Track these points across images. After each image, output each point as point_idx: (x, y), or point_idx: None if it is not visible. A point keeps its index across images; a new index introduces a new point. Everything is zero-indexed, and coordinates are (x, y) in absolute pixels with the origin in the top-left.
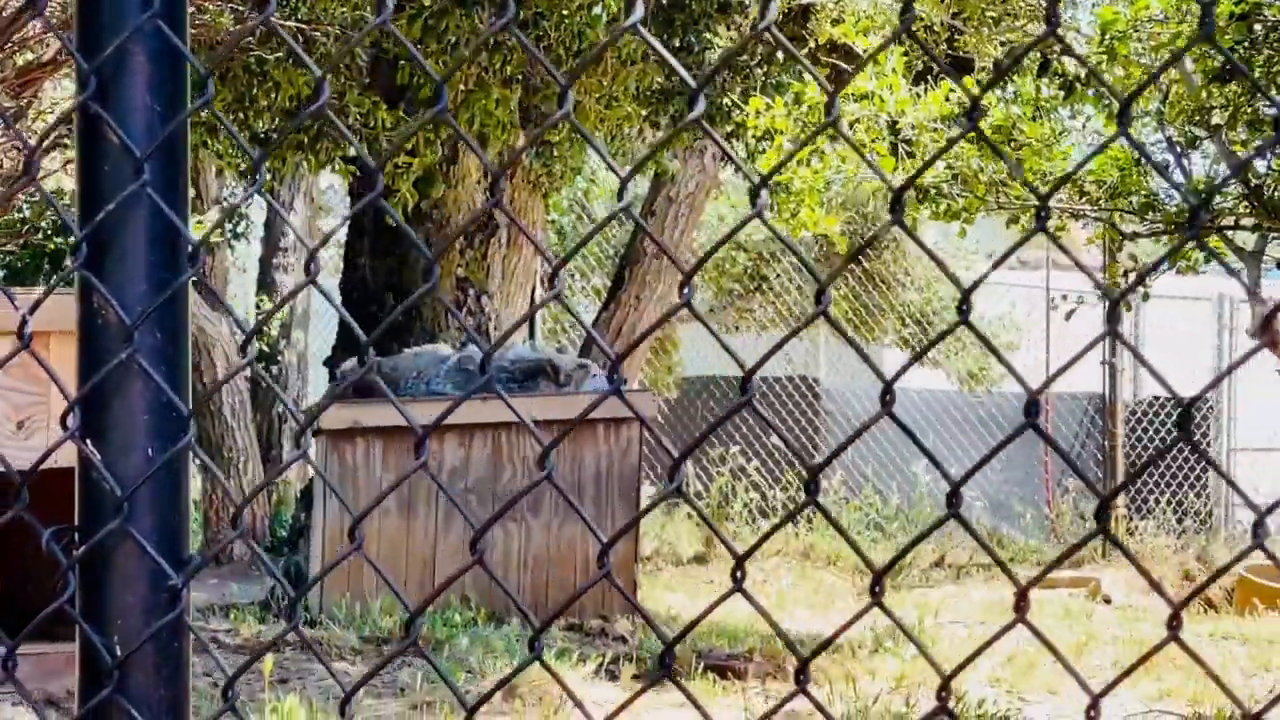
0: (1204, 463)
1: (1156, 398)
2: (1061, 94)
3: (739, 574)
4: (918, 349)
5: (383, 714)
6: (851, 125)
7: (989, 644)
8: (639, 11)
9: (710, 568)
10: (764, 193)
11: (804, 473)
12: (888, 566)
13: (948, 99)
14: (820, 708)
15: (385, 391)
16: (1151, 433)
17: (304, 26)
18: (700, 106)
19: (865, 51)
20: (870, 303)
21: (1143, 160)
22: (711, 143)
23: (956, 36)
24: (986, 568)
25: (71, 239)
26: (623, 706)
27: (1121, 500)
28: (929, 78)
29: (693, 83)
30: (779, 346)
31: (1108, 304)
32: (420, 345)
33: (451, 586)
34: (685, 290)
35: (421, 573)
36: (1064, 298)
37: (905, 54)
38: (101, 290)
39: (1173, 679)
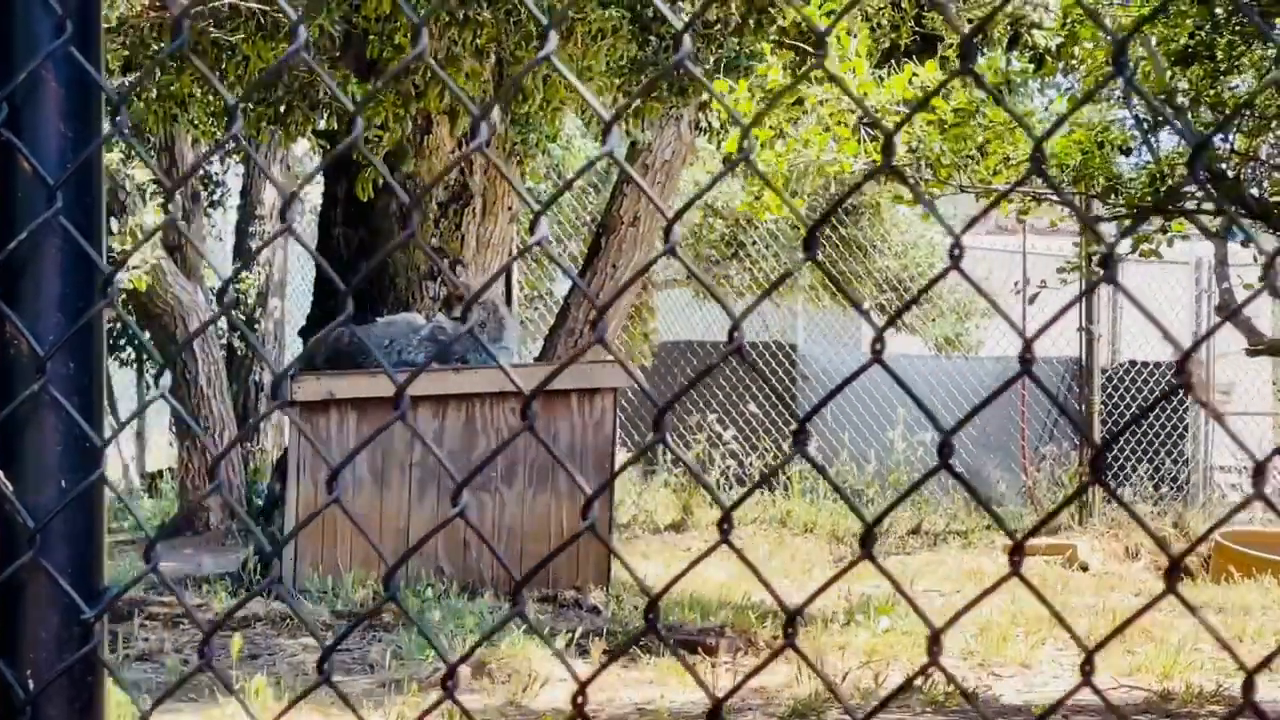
0: (1180, 429)
1: (1133, 362)
2: (1032, 67)
3: (726, 526)
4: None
5: (351, 691)
6: (815, 107)
7: (981, 598)
8: None
9: (686, 535)
10: (751, 138)
11: (792, 425)
12: (878, 518)
13: (910, 82)
14: (812, 666)
15: (368, 351)
16: (1129, 398)
17: (265, 7)
18: (687, 45)
19: (832, 36)
20: (848, 269)
21: (1106, 142)
22: (686, 112)
23: (924, 15)
24: (962, 534)
25: None
26: (599, 670)
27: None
28: (893, 60)
29: (679, 22)
30: (767, 294)
31: (1084, 273)
32: (393, 315)
33: (425, 559)
34: (672, 234)
35: (395, 543)
36: (1027, 283)
37: (873, 30)
38: (14, 320)
39: (1144, 653)
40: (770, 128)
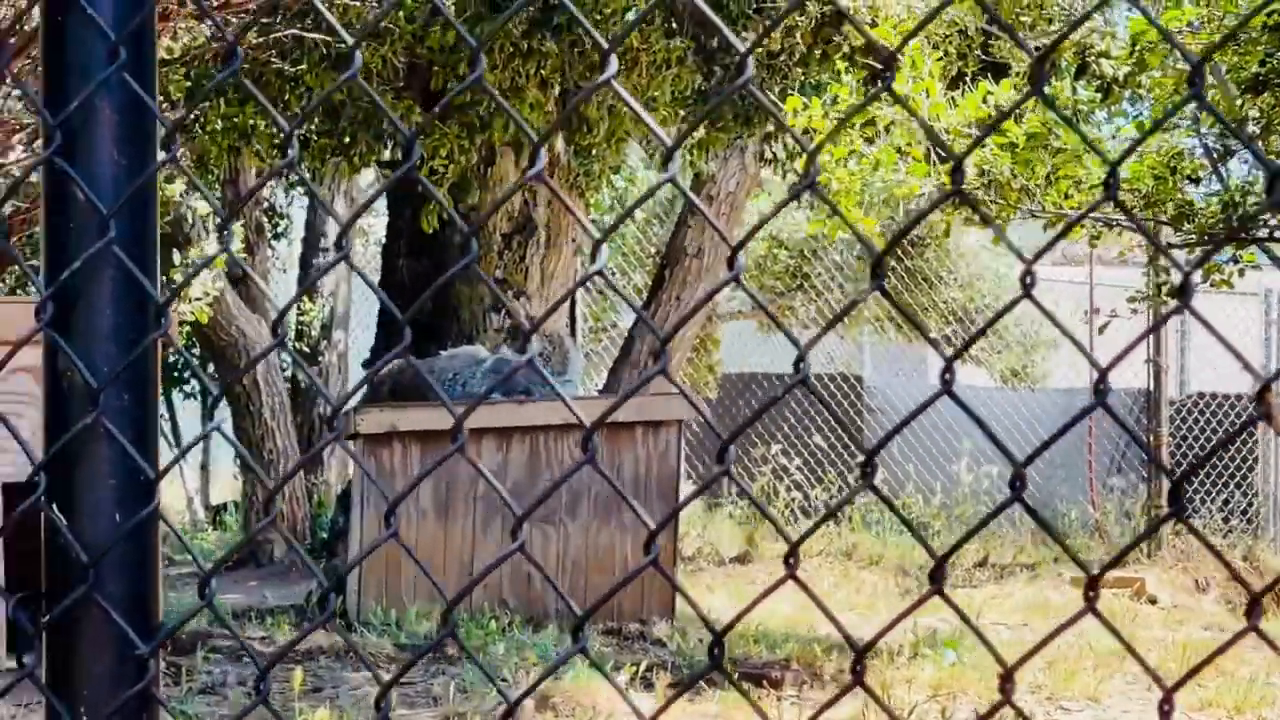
0: (1250, 461)
1: (1202, 394)
2: (1099, 96)
3: (791, 560)
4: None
5: None
6: (887, 128)
7: (1056, 633)
8: None
9: (752, 567)
10: (816, 164)
11: (858, 457)
12: (949, 553)
13: (984, 101)
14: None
15: (431, 384)
16: (1197, 430)
17: (328, 39)
18: (749, 69)
19: (905, 56)
20: (913, 300)
21: (1178, 169)
22: (751, 143)
23: (991, 41)
24: (1030, 567)
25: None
26: (664, 706)
27: (1165, 499)
28: (965, 82)
29: (742, 46)
30: (837, 320)
31: (1153, 302)
32: (458, 347)
33: (489, 591)
34: (736, 263)
35: (459, 576)
36: (1097, 311)
37: (941, 58)
38: (67, 351)
39: (1214, 686)
40: (843, 145)
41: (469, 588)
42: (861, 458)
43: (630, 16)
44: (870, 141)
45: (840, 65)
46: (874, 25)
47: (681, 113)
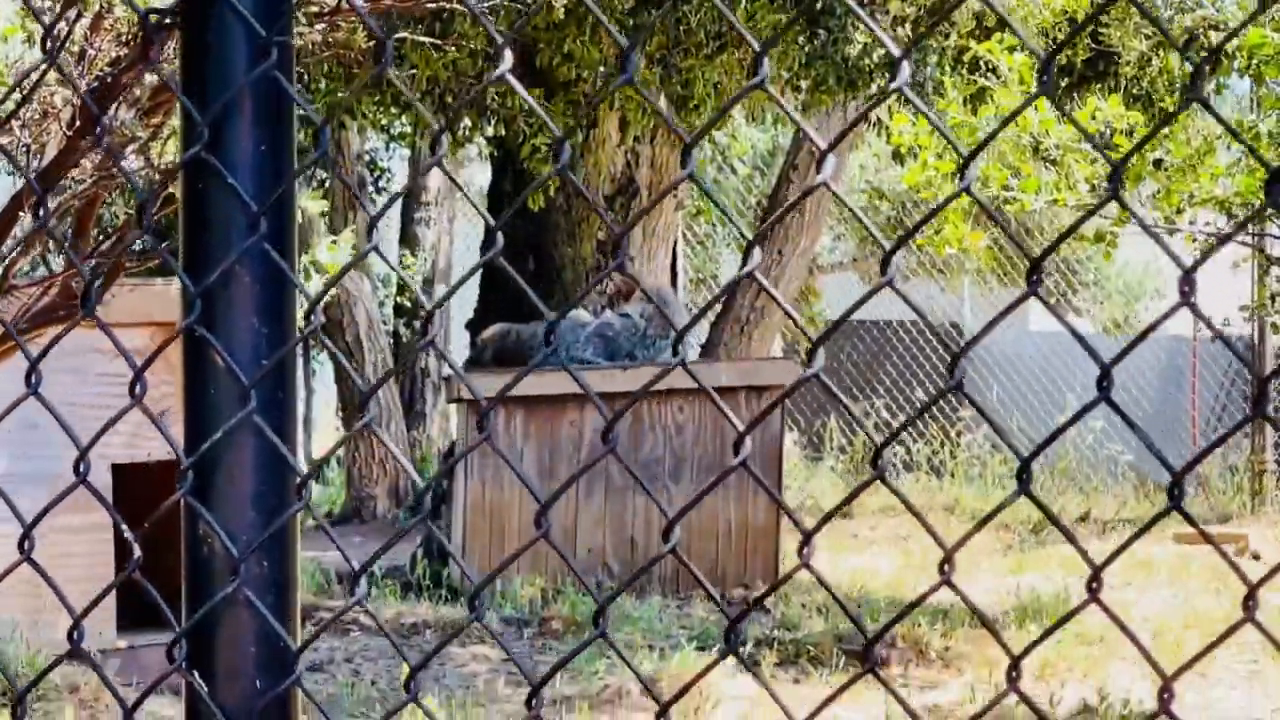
0: None
1: None
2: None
3: (946, 567)
4: (1061, 299)
5: (518, 709)
6: (994, 145)
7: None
8: None
9: (853, 522)
10: (830, 160)
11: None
12: (963, 540)
13: (1093, 117)
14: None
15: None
16: None
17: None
18: (905, 73)
19: (1010, 70)
20: (1014, 252)
21: None
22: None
23: (1100, 31)
24: (1132, 522)
25: None
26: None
27: (1270, 454)
28: (1075, 95)
29: (896, 50)
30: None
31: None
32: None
33: (593, 557)
34: (827, 161)
35: (562, 542)
36: (1194, 239)
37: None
38: (207, 519)
39: None
40: (950, 160)
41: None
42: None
43: None
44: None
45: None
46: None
47: (786, 75)
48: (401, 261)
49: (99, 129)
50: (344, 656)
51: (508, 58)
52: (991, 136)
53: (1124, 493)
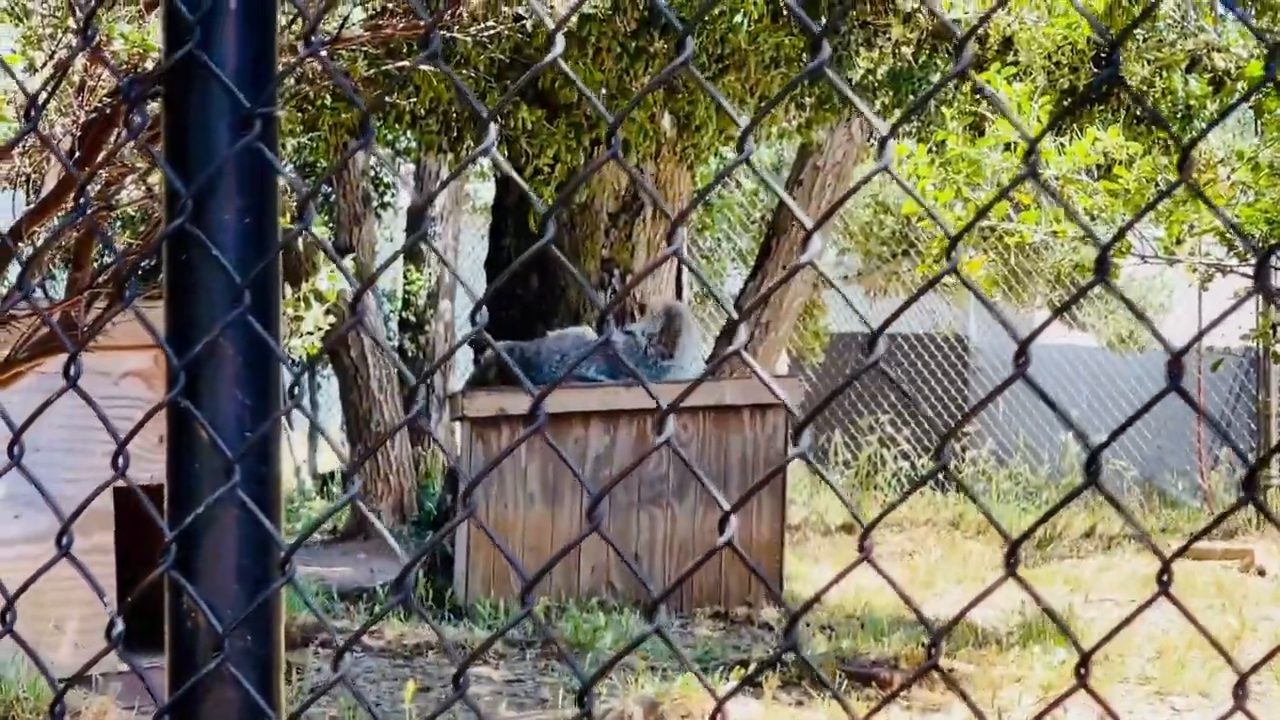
0: None
1: None
2: (1211, 89)
3: (865, 545)
4: (1066, 314)
5: None
6: (994, 175)
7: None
8: None
9: (858, 537)
10: (890, 145)
11: (943, 432)
12: (1022, 537)
13: (1093, 147)
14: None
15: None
16: None
17: (444, 32)
18: (826, 51)
19: (1010, 100)
20: (1019, 267)
21: None
22: (858, 113)
23: (1103, 57)
24: (1139, 539)
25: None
26: None
27: (1276, 466)
28: (1075, 127)
29: (816, 29)
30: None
31: (1256, 261)
32: (565, 328)
33: (596, 574)
34: (812, 241)
35: (566, 561)
36: (1195, 270)
37: (1049, 100)
38: (191, 593)
39: None
40: (949, 190)
41: (542, 572)
42: (966, 427)
43: (738, 19)
44: (976, 188)
45: (947, 114)
46: (981, 68)
47: (794, 99)
48: (406, 276)
49: (78, 190)
50: (363, 672)
51: (492, 131)
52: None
53: (1129, 508)
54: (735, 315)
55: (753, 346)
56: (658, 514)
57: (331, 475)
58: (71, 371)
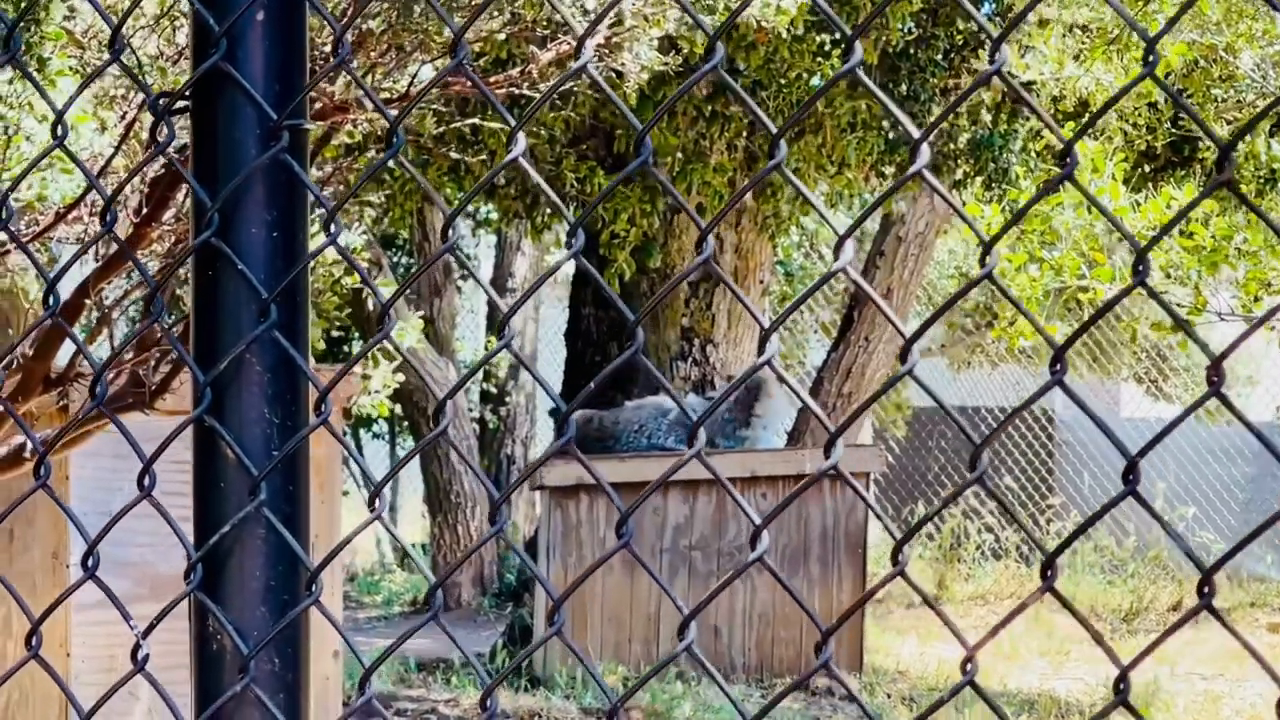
0: None
1: None
2: None
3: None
4: (1153, 384)
5: None
6: (1069, 233)
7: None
8: (858, 54)
9: (944, 609)
10: (994, 253)
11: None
12: (1132, 664)
13: (1168, 206)
14: None
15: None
16: None
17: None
18: (924, 157)
19: (1084, 158)
20: (1104, 339)
21: None
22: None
23: (1181, 117)
24: (1226, 612)
25: None
26: None
27: None
28: (1144, 167)
29: (915, 131)
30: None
31: None
32: (643, 398)
33: (673, 645)
34: (845, 247)
35: (646, 630)
36: (1273, 328)
37: (1124, 151)
38: (217, 614)
39: None
40: (1025, 252)
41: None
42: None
43: (815, 81)
44: (1050, 247)
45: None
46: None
47: (870, 160)
48: (487, 347)
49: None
50: None
51: (520, 141)
52: (1010, 224)
53: (1216, 582)
54: (764, 325)
55: (834, 417)
56: (737, 584)
57: (411, 547)
58: (148, 470)
